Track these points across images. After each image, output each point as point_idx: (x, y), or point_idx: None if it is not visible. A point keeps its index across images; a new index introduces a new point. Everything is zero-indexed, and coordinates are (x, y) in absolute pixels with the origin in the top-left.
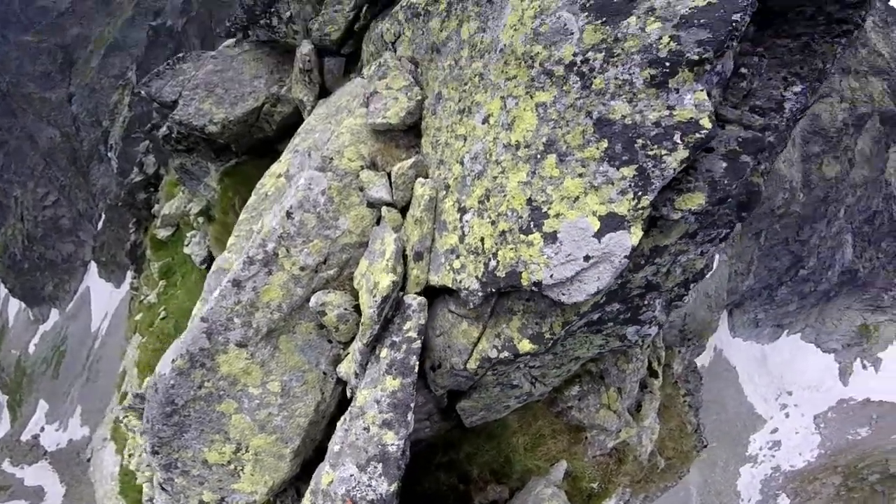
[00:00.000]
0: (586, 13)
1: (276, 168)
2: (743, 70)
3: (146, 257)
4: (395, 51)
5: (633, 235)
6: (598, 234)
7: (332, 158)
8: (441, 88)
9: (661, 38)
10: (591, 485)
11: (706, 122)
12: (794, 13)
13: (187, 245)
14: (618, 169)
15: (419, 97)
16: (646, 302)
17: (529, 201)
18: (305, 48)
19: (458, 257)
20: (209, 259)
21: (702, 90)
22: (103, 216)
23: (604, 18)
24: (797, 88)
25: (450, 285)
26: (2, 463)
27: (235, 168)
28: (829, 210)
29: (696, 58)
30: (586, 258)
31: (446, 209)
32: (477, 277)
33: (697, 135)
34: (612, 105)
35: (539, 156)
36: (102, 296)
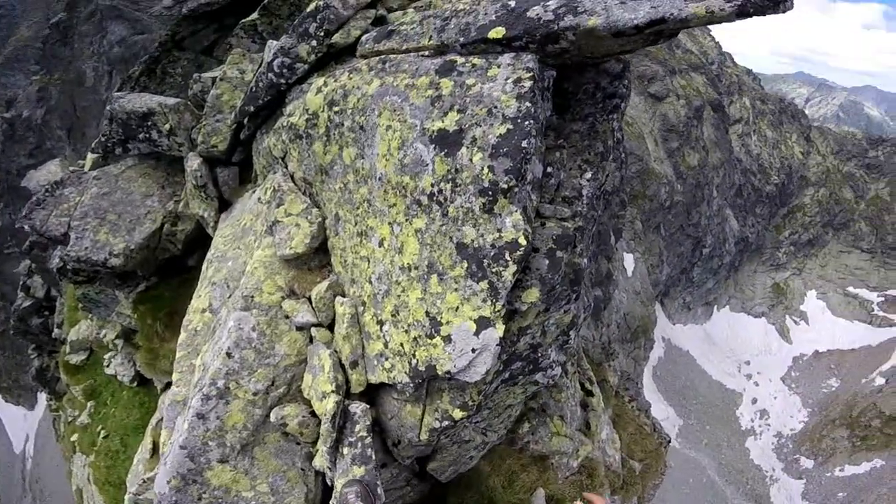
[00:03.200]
0: (433, 144)
1: (197, 304)
2: (549, 169)
3: (61, 380)
4: (286, 166)
5: (498, 329)
6: (477, 332)
7: (252, 297)
8: (337, 210)
9: (482, 168)
10: (575, 503)
11: (522, 240)
12: (582, 93)
13: (107, 366)
14: (477, 283)
15: (319, 218)
16: (539, 354)
17: (427, 314)
18: (194, 163)
19: (386, 359)
20: (138, 377)
21: (517, 211)
22: None
23: (445, 150)
24: (588, 175)
25: (387, 381)
26: None
27: (147, 293)
28: (704, 193)
29: (506, 186)
30: (473, 350)
31: (367, 322)
32: (406, 373)
33: (518, 252)
34: (464, 230)
35: (426, 276)
36: (16, 419)
